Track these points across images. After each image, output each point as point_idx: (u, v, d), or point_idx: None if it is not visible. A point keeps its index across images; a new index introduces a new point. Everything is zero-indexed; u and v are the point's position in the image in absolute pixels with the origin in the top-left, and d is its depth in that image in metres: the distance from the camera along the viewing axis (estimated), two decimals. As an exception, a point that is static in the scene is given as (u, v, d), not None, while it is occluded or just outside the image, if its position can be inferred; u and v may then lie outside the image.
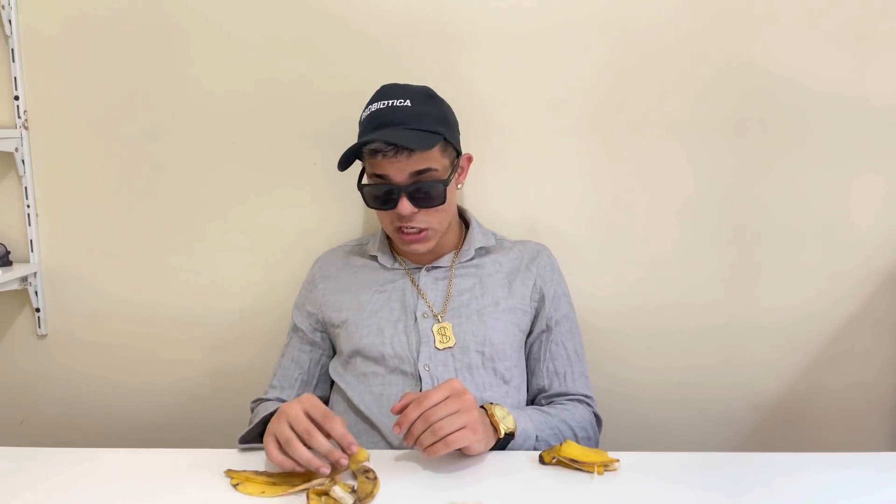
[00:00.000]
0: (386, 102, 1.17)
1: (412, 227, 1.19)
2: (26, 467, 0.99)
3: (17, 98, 1.47)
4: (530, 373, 1.28)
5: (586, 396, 1.25)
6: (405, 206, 1.16)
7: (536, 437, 1.10)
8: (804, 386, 1.55)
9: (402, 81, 1.41)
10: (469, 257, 1.28)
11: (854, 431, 1.57)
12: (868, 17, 1.41)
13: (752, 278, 1.51)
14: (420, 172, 1.16)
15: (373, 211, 1.47)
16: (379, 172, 1.17)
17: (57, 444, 1.06)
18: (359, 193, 1.50)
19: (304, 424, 0.94)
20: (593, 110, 1.46)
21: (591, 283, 1.49)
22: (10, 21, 1.44)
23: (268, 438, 0.97)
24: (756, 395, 1.55)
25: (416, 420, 0.95)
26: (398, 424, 0.96)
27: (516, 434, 1.05)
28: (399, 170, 1.15)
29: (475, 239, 1.30)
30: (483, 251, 1.30)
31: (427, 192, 1.17)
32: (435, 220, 1.21)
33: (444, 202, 1.19)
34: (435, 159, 1.18)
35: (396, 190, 1.16)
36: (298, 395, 1.24)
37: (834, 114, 1.45)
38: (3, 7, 1.43)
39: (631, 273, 1.51)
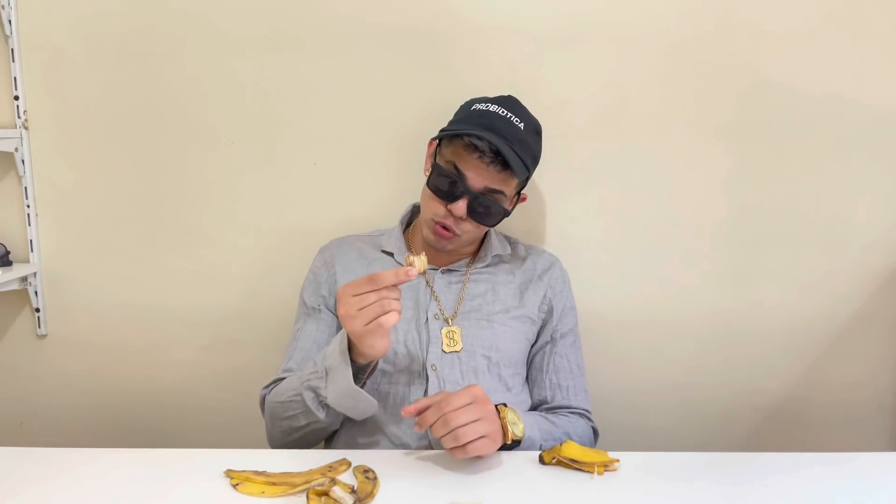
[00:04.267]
0: (505, 112, 1.18)
1: (449, 226, 1.19)
2: (26, 467, 0.98)
3: (17, 98, 1.47)
4: (531, 382, 1.28)
5: (587, 411, 1.26)
6: (461, 208, 1.16)
7: (540, 445, 1.11)
8: (804, 386, 1.55)
9: (403, 82, 1.41)
10: (485, 264, 1.29)
11: (854, 431, 1.57)
12: (867, 17, 1.41)
13: (753, 279, 1.51)
14: (493, 190, 1.17)
15: (374, 210, 1.48)
16: (460, 166, 1.16)
17: (57, 444, 1.05)
18: (358, 193, 1.51)
19: (363, 287, 0.96)
20: (595, 113, 1.46)
21: (592, 283, 1.49)
22: (10, 21, 1.44)
23: (346, 319, 0.98)
24: (756, 395, 1.56)
25: (435, 421, 0.97)
26: (419, 424, 0.98)
27: (522, 441, 1.06)
28: (481, 177, 1.16)
29: (493, 246, 1.30)
30: (498, 259, 1.31)
31: (488, 210, 1.19)
32: (472, 233, 1.23)
33: (494, 224, 1.22)
34: (510, 186, 1.20)
35: (465, 190, 1.16)
36: None
37: (833, 115, 1.45)
38: (3, 7, 1.43)
39: (632, 274, 1.51)
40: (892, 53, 1.43)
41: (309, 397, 1.07)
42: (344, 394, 1.03)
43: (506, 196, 1.20)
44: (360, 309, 0.96)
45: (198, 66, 1.46)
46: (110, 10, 1.45)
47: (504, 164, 1.14)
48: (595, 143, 1.47)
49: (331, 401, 1.05)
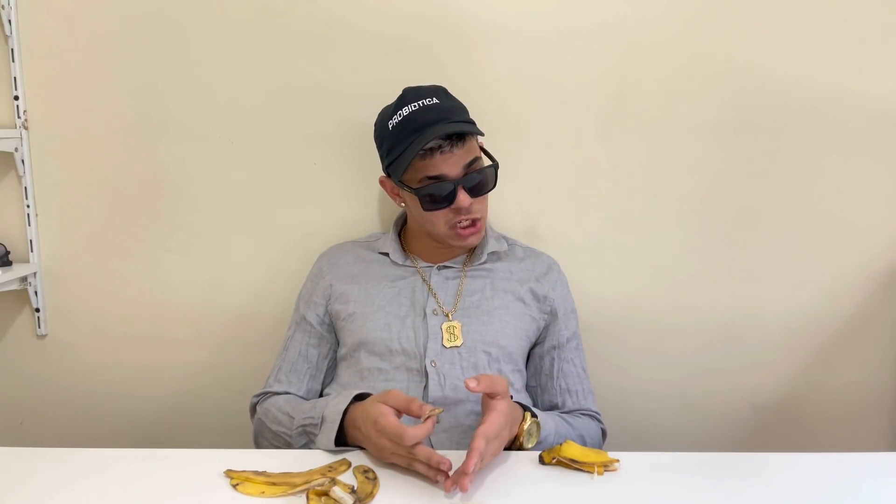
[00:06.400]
0: (416, 104, 1.19)
1: (467, 220, 1.21)
2: (26, 467, 0.98)
3: (17, 98, 1.47)
4: (541, 388, 1.29)
5: (597, 413, 1.27)
6: (464, 198, 1.18)
7: None
8: (804, 386, 1.55)
9: (403, 82, 1.40)
10: (482, 261, 1.29)
11: (854, 431, 1.57)
12: (868, 14, 1.41)
13: (753, 278, 1.51)
14: (470, 164, 1.20)
15: (374, 210, 1.48)
16: (433, 174, 1.18)
17: (57, 444, 1.06)
18: (358, 193, 1.51)
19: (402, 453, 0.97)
20: (595, 111, 1.46)
21: (592, 282, 1.49)
22: (9, 21, 1.44)
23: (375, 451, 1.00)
24: (756, 395, 1.56)
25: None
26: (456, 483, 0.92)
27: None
28: (454, 164, 1.18)
29: (489, 243, 1.31)
30: (495, 256, 1.31)
31: (481, 180, 1.21)
32: (484, 208, 1.25)
33: (495, 186, 1.23)
34: (476, 148, 1.22)
35: (455, 184, 1.18)
36: (308, 389, 1.27)
37: (834, 113, 1.45)
38: (3, 7, 1.43)
39: (631, 273, 1.51)
40: (893, 51, 1.43)
41: (298, 441, 1.12)
42: (327, 446, 1.05)
43: (480, 157, 1.23)
44: (392, 454, 0.98)
45: (198, 65, 1.46)
46: (110, 10, 1.45)
47: (460, 138, 1.17)
48: (594, 142, 1.47)
49: (319, 444, 1.07)
